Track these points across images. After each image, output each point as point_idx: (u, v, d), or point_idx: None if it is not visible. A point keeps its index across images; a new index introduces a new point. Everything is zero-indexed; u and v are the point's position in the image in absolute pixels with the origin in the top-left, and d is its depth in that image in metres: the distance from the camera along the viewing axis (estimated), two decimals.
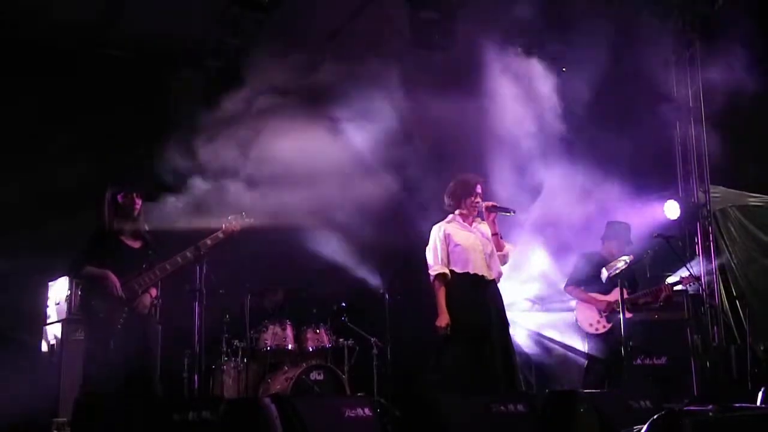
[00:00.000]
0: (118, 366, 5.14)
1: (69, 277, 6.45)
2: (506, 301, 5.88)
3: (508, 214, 5.61)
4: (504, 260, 5.66)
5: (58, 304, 6.82)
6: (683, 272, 7.41)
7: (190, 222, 6.00)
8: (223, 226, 5.64)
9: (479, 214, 5.69)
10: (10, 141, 7.61)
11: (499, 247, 5.60)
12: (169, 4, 7.63)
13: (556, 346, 8.33)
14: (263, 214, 6.06)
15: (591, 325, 6.86)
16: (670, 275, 8.00)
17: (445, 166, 7.60)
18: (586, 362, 7.11)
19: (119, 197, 5.47)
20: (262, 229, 6.07)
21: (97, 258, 5.35)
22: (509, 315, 5.79)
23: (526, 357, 8.21)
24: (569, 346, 8.17)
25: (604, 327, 6.78)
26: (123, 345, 5.19)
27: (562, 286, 7.26)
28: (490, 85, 7.88)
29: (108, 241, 5.42)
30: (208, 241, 5.51)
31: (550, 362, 8.32)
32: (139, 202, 5.50)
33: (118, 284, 5.26)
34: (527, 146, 7.91)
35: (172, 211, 5.78)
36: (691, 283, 7.14)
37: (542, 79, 7.91)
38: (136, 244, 5.50)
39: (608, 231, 7.13)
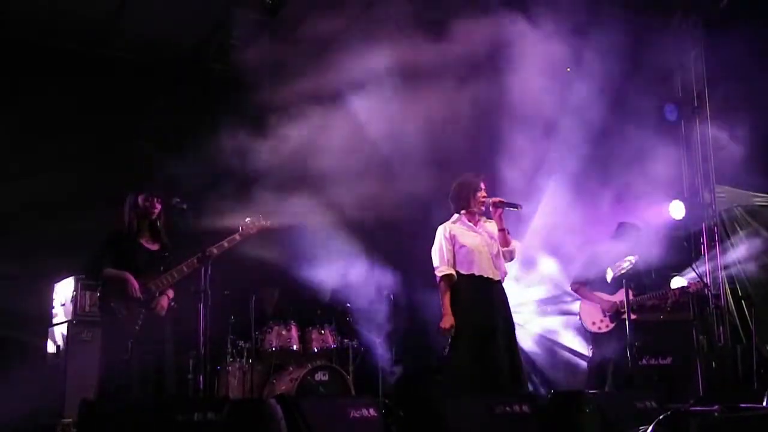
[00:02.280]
0: (135, 367, 5.19)
1: (87, 277, 6.49)
2: (514, 302, 5.87)
3: (515, 209, 5.59)
4: (510, 256, 5.63)
5: (63, 305, 6.84)
6: (690, 273, 7.40)
7: (204, 224, 6.02)
8: (241, 228, 5.67)
9: (486, 212, 5.67)
10: (13, 142, 7.63)
11: (506, 243, 5.58)
12: (170, 5, 7.64)
13: (562, 350, 8.35)
14: (276, 215, 6.07)
15: (594, 323, 6.86)
16: (676, 275, 8.00)
17: (448, 165, 7.60)
18: (588, 362, 7.12)
19: (140, 199, 5.51)
20: (276, 230, 6.09)
21: (115, 259, 5.41)
22: (517, 317, 5.77)
23: (531, 360, 8.21)
24: (574, 350, 8.19)
25: (607, 327, 6.78)
26: (140, 346, 5.24)
27: (568, 285, 7.27)
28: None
29: (126, 242, 5.49)
30: (225, 243, 5.55)
31: (555, 364, 8.33)
32: (158, 205, 5.54)
33: (137, 286, 5.32)
34: (536, 145, 7.91)
35: (186, 214, 5.76)
36: (699, 289, 7.13)
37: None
38: (154, 246, 5.57)
39: (618, 231, 7.12)
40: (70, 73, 8.05)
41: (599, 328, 6.83)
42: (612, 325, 6.75)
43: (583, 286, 6.99)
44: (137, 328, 5.27)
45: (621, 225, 7.16)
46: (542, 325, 8.52)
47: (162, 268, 5.49)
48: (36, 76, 7.87)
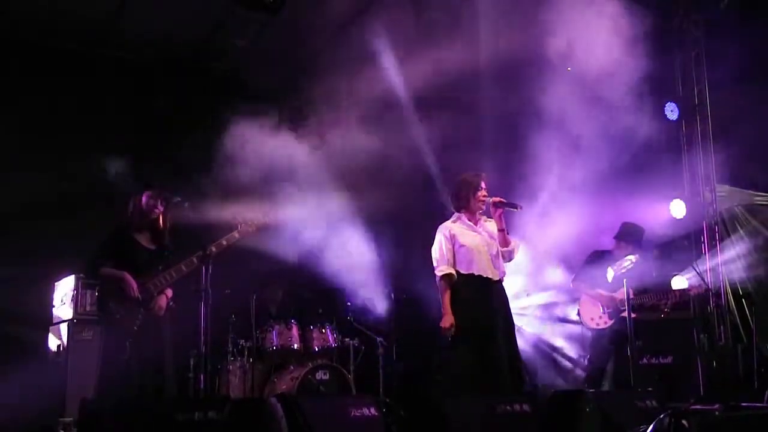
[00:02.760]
0: (134, 367, 5.17)
1: (86, 276, 6.48)
2: (515, 304, 5.87)
3: (515, 209, 5.58)
4: (510, 256, 5.63)
5: (64, 304, 6.84)
6: (690, 273, 7.39)
7: (203, 222, 6.01)
8: (239, 226, 5.65)
9: (486, 211, 5.66)
10: (13, 142, 7.63)
11: (505, 243, 5.58)
12: (172, 5, 7.63)
13: (558, 354, 8.36)
14: (276, 213, 6.07)
15: (592, 319, 6.88)
16: (677, 275, 8.00)
17: (449, 166, 7.61)
18: (588, 358, 7.13)
19: (144, 198, 5.50)
20: (274, 227, 6.08)
21: (112, 257, 5.40)
22: (518, 320, 5.76)
23: (532, 359, 8.21)
24: (570, 356, 8.21)
25: (606, 323, 6.80)
26: (139, 346, 5.22)
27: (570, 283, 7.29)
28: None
29: (124, 241, 5.47)
30: (224, 242, 5.52)
31: (551, 367, 8.34)
32: (160, 207, 5.51)
33: (135, 286, 5.29)
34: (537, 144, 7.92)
35: (186, 212, 5.75)
36: (700, 292, 7.14)
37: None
38: (153, 246, 5.53)
39: (623, 231, 7.12)
40: (71, 73, 8.06)
41: (597, 324, 6.84)
42: (610, 322, 6.76)
43: (583, 283, 7.00)
44: (136, 328, 5.25)
45: (624, 225, 7.16)
46: (541, 329, 8.51)
47: (161, 267, 5.47)
48: (36, 76, 7.88)
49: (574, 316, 7.38)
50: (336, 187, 7.61)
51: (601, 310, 6.83)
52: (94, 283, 6.04)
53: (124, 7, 7.62)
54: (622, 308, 6.54)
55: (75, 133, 7.86)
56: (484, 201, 5.58)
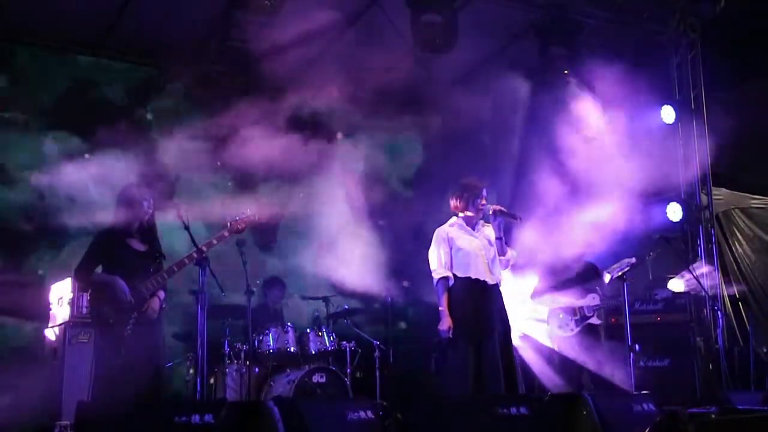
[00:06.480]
0: (128, 372, 5.10)
1: (76, 279, 6.43)
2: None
3: (515, 219, 5.60)
4: (506, 265, 5.66)
5: (60, 306, 6.81)
6: (686, 276, 7.42)
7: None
8: (229, 224, 5.62)
9: (484, 217, 5.68)
10: (13, 142, 7.63)
11: (502, 252, 5.60)
12: (169, 6, 7.61)
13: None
14: (268, 213, 6.06)
15: (560, 328, 6.89)
16: (673, 277, 8.01)
17: (444, 167, 7.62)
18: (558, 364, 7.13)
19: (133, 198, 5.40)
20: (267, 227, 6.08)
21: (103, 261, 5.35)
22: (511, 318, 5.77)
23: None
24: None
25: (572, 330, 6.81)
26: (133, 349, 5.15)
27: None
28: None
29: (114, 243, 5.38)
30: (214, 241, 5.45)
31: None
32: (150, 204, 5.45)
33: (127, 290, 5.21)
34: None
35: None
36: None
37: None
38: (143, 247, 5.43)
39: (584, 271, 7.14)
40: (71, 73, 8.06)
41: (565, 332, 6.86)
42: (577, 329, 6.79)
43: (544, 295, 7.01)
44: (129, 331, 5.16)
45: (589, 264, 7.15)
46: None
47: (152, 269, 5.37)
48: (38, 74, 7.88)
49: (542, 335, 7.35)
50: (333, 186, 7.62)
51: (567, 319, 6.84)
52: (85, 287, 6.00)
53: (125, 6, 7.58)
54: (589, 315, 6.70)
55: (79, 132, 7.87)
56: (482, 209, 5.60)
